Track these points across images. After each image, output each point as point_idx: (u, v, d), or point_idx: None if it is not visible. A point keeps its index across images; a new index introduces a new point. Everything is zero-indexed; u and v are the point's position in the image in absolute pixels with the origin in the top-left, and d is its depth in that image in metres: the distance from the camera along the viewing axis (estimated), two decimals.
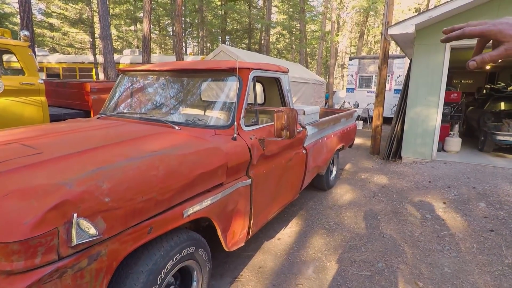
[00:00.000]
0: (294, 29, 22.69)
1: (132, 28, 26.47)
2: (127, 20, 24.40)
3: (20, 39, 3.89)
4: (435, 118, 5.00)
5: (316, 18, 25.07)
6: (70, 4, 17.46)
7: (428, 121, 5.07)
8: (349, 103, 12.95)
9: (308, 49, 26.16)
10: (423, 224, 2.98)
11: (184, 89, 2.33)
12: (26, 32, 3.78)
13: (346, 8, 19.21)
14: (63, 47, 20.97)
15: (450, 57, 4.81)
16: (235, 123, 1.90)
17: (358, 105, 12.37)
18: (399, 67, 12.24)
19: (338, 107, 16.76)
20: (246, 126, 2.06)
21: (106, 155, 1.32)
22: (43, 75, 12.96)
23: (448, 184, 4.06)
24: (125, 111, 2.33)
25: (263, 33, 18.47)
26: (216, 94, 2.88)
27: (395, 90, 12.32)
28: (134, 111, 2.36)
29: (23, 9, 6.51)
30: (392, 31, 4.75)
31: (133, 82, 2.53)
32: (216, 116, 2.06)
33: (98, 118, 2.35)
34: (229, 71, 2.05)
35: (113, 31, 25.48)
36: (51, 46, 20.19)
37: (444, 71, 4.79)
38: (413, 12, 17.96)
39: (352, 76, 13.11)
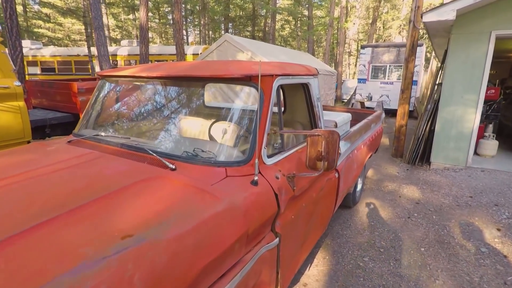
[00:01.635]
0: (300, 15, 21.62)
1: (131, 16, 25.49)
2: (126, 9, 23.45)
3: None
4: (473, 119, 4.35)
5: (322, 3, 23.86)
6: None
7: (463, 122, 4.43)
8: (361, 95, 12.21)
9: (314, 37, 25.08)
10: (481, 263, 2.42)
11: (182, 102, 1.74)
12: None
13: None
14: (60, 39, 20.23)
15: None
16: (256, 158, 1.32)
17: (371, 98, 11.65)
18: (416, 57, 11.41)
19: (347, 98, 15.98)
20: (269, 157, 1.48)
21: (42, 255, 0.75)
22: (37, 70, 12.37)
23: (495, 201, 3.47)
24: (104, 132, 1.75)
25: (268, 20, 17.54)
26: (226, 98, 2.27)
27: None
28: (115, 132, 1.78)
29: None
30: (427, 17, 4.05)
31: (116, 91, 1.94)
32: (227, 144, 1.48)
33: (69, 142, 1.78)
34: (246, 80, 1.45)
35: (112, 20, 24.59)
36: (47, 38, 19.47)
37: (486, 65, 4.10)
38: None
39: (364, 66, 12.32)
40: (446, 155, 4.65)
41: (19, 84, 3.49)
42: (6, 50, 3.45)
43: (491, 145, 4.91)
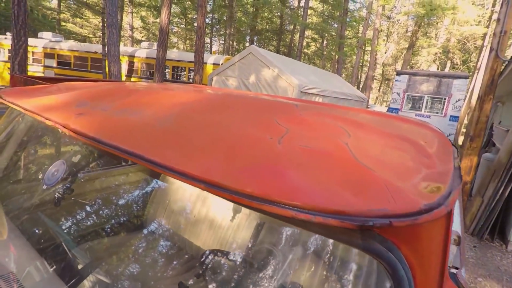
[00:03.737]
0: (327, 35, 20.75)
1: (158, 20, 25.48)
2: (154, 12, 23.41)
3: None
4: None
5: (353, 23, 22.97)
6: None
7: None
8: None
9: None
10: None
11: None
12: None
13: (390, 17, 17.13)
14: (86, 36, 20.25)
15: None
16: None
17: None
18: (459, 89, 10.20)
19: None
20: None
21: None
22: (53, 63, 11.93)
23: None
24: None
25: (296, 36, 16.77)
26: None
27: (451, 116, 10.30)
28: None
29: None
30: None
31: (24, 136, 0.93)
32: None
33: None
34: (364, 232, 0.35)
35: (139, 22, 24.63)
36: (74, 34, 19.48)
37: None
38: (471, 25, 15.52)
39: (399, 94, 11.18)
40: None
41: None
42: None
43: None
